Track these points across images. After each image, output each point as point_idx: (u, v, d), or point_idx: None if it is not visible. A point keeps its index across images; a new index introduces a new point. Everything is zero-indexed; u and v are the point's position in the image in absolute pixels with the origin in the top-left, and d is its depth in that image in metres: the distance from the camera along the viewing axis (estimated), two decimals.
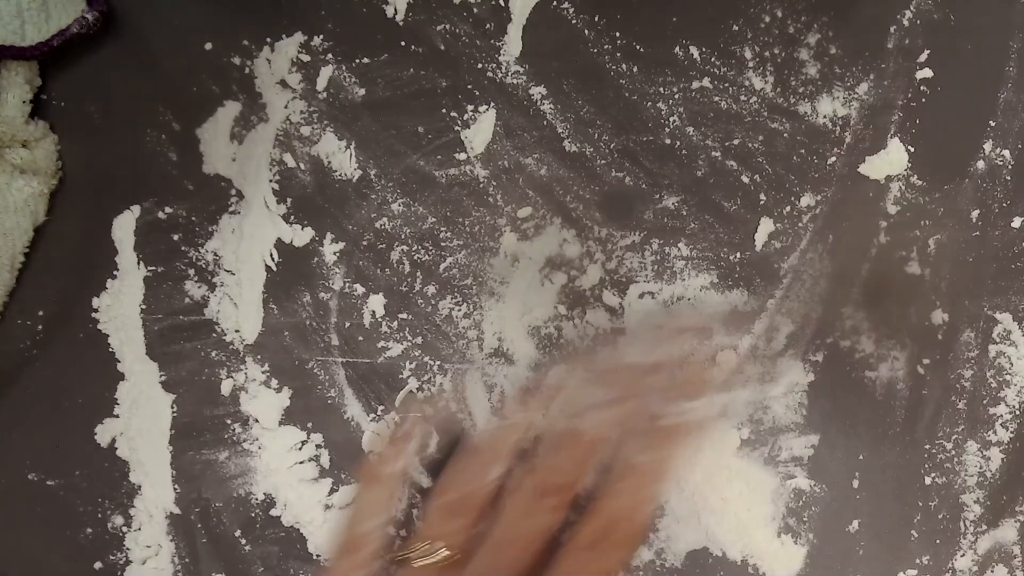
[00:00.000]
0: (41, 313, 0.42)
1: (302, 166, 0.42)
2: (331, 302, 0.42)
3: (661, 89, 0.41)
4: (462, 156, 0.41)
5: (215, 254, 0.42)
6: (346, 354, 0.41)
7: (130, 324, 0.42)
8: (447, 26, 0.42)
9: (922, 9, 0.40)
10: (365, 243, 0.42)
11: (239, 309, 0.42)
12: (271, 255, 0.42)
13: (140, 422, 0.42)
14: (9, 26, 0.39)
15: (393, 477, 0.36)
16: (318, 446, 0.41)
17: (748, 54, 0.40)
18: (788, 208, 0.40)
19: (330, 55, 0.42)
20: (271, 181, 0.42)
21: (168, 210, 0.42)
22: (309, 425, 0.41)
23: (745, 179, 0.40)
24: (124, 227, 0.42)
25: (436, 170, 0.42)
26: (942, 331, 0.39)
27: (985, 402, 0.38)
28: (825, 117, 0.40)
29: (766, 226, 0.40)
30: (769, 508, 0.38)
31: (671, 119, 0.41)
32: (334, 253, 0.42)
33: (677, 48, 0.41)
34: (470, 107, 0.42)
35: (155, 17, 0.43)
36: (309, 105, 0.42)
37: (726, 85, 0.40)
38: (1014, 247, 0.39)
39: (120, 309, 0.42)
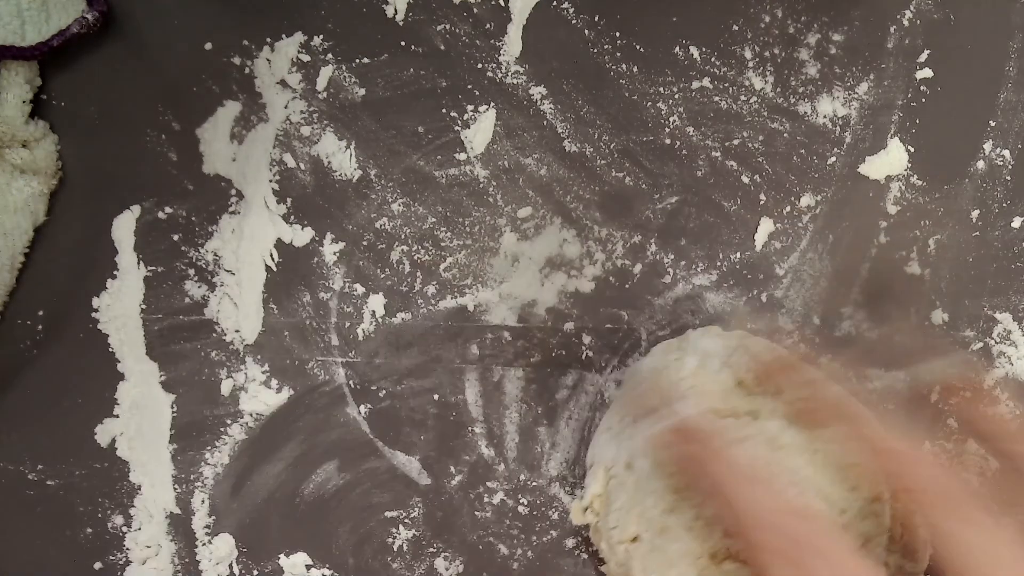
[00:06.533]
0: (41, 313, 0.42)
1: (302, 166, 0.42)
2: (331, 302, 0.42)
3: (661, 89, 0.41)
4: (462, 156, 0.41)
5: (215, 254, 0.42)
6: (346, 354, 0.41)
7: (130, 324, 0.42)
8: (447, 26, 0.42)
9: (922, 9, 0.40)
10: (365, 243, 0.42)
11: (239, 309, 0.42)
12: (271, 255, 0.42)
13: (140, 422, 0.42)
14: (9, 26, 0.39)
15: None
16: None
17: (748, 54, 0.40)
18: (788, 208, 0.40)
19: (330, 55, 0.42)
20: (271, 181, 0.42)
21: (168, 210, 0.42)
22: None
23: (745, 179, 0.40)
24: (124, 227, 0.42)
25: (436, 170, 0.41)
26: (942, 331, 0.39)
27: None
28: (825, 117, 0.40)
29: (766, 226, 0.40)
30: None
31: (671, 119, 0.41)
32: (334, 253, 0.42)
33: (677, 48, 0.41)
34: (470, 107, 0.42)
35: (155, 17, 0.43)
36: (309, 105, 0.42)
37: (726, 85, 0.40)
38: (1014, 247, 0.39)
39: (120, 309, 0.42)
